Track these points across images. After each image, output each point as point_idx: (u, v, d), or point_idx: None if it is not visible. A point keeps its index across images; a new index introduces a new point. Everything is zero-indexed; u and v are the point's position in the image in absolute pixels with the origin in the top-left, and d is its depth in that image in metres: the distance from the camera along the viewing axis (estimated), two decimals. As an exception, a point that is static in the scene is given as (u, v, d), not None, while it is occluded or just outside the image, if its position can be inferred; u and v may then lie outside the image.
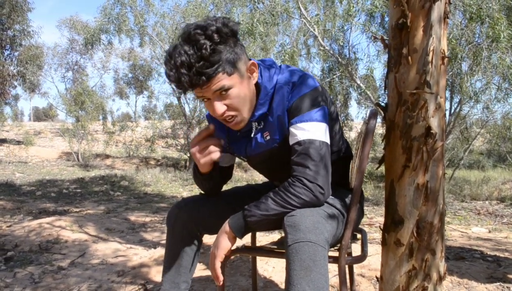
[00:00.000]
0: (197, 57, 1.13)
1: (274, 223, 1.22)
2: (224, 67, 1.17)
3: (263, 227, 1.27)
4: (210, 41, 1.14)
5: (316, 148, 1.21)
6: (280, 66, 1.37)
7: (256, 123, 1.34)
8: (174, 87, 1.35)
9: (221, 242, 1.26)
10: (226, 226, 1.26)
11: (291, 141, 1.25)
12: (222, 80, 1.17)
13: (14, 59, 15.44)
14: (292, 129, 1.25)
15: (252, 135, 1.36)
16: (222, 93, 1.20)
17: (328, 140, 1.25)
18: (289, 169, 1.25)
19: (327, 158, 1.23)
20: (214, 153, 1.30)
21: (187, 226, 1.44)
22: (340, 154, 1.45)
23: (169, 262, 1.46)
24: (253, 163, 1.47)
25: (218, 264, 1.26)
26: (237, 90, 1.21)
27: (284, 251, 1.14)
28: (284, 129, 1.29)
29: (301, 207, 1.18)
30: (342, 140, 1.47)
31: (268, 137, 1.33)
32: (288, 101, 1.27)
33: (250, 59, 1.29)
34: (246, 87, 1.25)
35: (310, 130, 1.22)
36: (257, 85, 1.30)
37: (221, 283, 1.30)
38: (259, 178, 9.92)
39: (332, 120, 1.37)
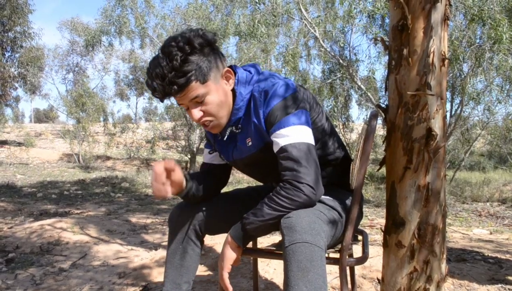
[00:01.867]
0: (169, 68, 1.20)
1: (274, 226, 1.23)
2: (197, 75, 1.22)
3: (263, 232, 1.28)
4: (181, 52, 1.20)
5: (299, 150, 1.22)
6: (262, 72, 1.39)
7: (233, 128, 1.37)
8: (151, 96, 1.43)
9: (225, 253, 1.27)
10: (228, 237, 1.28)
11: (275, 150, 1.27)
12: (196, 89, 1.24)
13: (15, 61, 15.47)
14: (273, 138, 1.27)
15: (225, 138, 1.40)
16: (198, 101, 1.26)
17: (311, 141, 1.25)
18: (276, 173, 1.27)
19: (313, 157, 1.24)
20: (166, 192, 1.28)
21: (188, 226, 1.45)
22: (335, 154, 1.45)
23: (171, 262, 1.47)
24: (239, 167, 1.50)
25: (226, 275, 1.28)
26: (212, 97, 1.27)
27: (285, 252, 1.14)
28: (263, 136, 1.31)
29: (295, 209, 1.18)
30: (334, 139, 1.47)
31: (250, 143, 1.35)
32: (263, 111, 1.28)
33: (230, 66, 1.35)
34: (222, 94, 1.29)
35: (289, 134, 1.24)
36: (234, 91, 1.34)
37: None
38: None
39: (320, 120, 1.38)
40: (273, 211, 1.20)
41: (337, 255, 1.29)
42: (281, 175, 1.24)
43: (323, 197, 1.31)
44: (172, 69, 1.19)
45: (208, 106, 1.27)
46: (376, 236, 3.56)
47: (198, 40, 1.22)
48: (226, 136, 1.39)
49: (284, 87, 1.29)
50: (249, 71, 1.39)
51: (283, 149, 1.23)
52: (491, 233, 3.99)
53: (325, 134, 1.41)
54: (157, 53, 1.25)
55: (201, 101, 1.26)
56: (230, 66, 1.37)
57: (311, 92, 1.42)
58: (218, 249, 2.71)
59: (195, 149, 12.27)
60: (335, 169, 1.47)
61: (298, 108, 1.27)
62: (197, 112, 1.28)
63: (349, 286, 1.72)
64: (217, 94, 1.28)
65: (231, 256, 1.27)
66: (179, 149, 13.32)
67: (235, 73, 1.35)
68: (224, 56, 1.34)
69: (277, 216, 1.19)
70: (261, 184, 1.68)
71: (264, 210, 1.21)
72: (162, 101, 1.32)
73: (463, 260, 2.62)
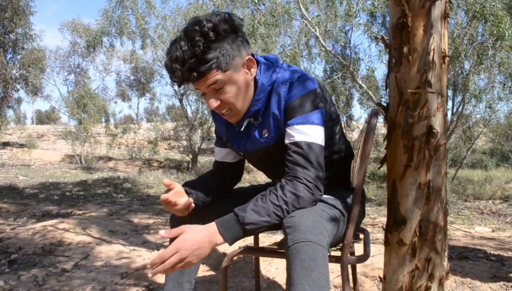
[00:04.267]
0: (190, 54, 1.15)
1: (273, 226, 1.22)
2: (218, 64, 1.18)
3: (262, 231, 1.25)
4: (204, 38, 1.15)
5: (315, 151, 1.22)
6: (282, 65, 1.37)
7: (252, 119, 1.34)
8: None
9: (206, 252, 1.14)
10: (215, 234, 1.15)
11: (287, 141, 1.25)
12: (216, 76, 1.19)
13: (16, 63, 15.48)
14: (289, 130, 1.25)
15: (241, 129, 1.36)
16: (216, 88, 1.22)
17: (323, 143, 1.26)
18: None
19: (323, 161, 1.25)
20: (183, 212, 1.33)
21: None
22: (340, 154, 1.45)
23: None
24: (252, 159, 1.47)
25: (187, 269, 1.21)
26: (231, 86, 1.23)
27: (287, 251, 1.14)
28: (280, 128, 1.30)
29: (299, 207, 1.18)
30: (343, 140, 1.47)
31: (266, 135, 1.33)
32: (285, 101, 1.27)
33: (252, 55, 1.31)
34: (242, 83, 1.26)
35: (309, 133, 1.23)
36: (255, 81, 1.31)
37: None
38: (262, 179, 9.92)
39: (332, 121, 1.37)
40: (276, 206, 1.17)
41: (338, 254, 1.29)
42: (288, 167, 1.23)
43: (325, 196, 1.31)
44: (193, 56, 1.16)
45: (226, 95, 1.23)
46: (378, 235, 3.55)
47: (223, 26, 1.18)
48: (243, 127, 1.35)
49: (308, 82, 1.28)
50: (271, 62, 1.35)
51: (298, 144, 1.22)
52: (493, 231, 3.99)
53: (335, 135, 1.40)
54: (179, 34, 1.20)
55: (219, 89, 1.22)
56: (252, 55, 1.33)
57: (327, 91, 1.41)
58: (220, 248, 2.72)
59: (196, 149, 12.28)
60: (340, 168, 1.47)
61: (318, 107, 1.26)
62: (214, 101, 1.24)
63: (351, 284, 1.72)
64: (236, 84, 1.24)
65: (205, 254, 1.14)
66: (181, 149, 13.34)
67: (257, 62, 1.32)
68: (248, 43, 1.30)
69: (278, 214, 1.17)
70: (264, 183, 1.68)
71: (266, 204, 1.17)
72: (179, 86, 1.28)
73: (465, 258, 2.62)
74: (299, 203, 1.18)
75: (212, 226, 1.15)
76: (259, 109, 1.32)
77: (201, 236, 1.13)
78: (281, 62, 1.38)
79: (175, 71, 1.18)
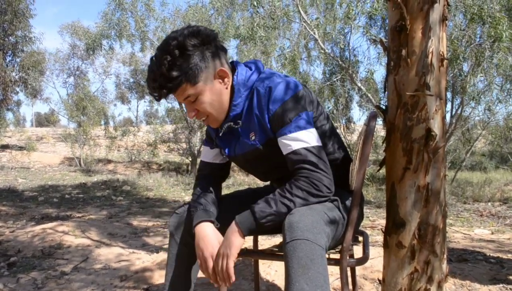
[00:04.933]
0: (158, 72, 1.24)
1: (279, 226, 1.23)
2: (187, 78, 1.25)
3: (271, 225, 1.25)
4: (170, 56, 1.23)
5: (313, 154, 1.25)
6: (264, 71, 1.39)
7: (232, 123, 1.37)
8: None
9: (233, 241, 1.24)
10: (234, 225, 1.25)
11: (285, 151, 1.28)
12: (187, 90, 1.27)
13: (16, 65, 15.48)
14: (283, 140, 1.28)
15: (220, 134, 1.42)
16: (191, 100, 1.29)
17: (320, 143, 1.28)
18: (279, 170, 1.31)
19: (325, 158, 1.27)
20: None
21: (189, 230, 1.44)
22: (335, 154, 1.45)
23: (172, 265, 1.47)
24: (241, 163, 1.49)
25: (231, 264, 1.23)
26: (204, 97, 1.29)
27: (286, 254, 1.14)
28: (266, 132, 1.32)
29: (307, 204, 1.22)
30: (335, 140, 1.47)
31: (253, 137, 1.35)
32: (267, 108, 1.29)
33: (232, 62, 1.38)
34: (214, 93, 1.31)
35: (302, 139, 1.25)
36: (232, 87, 1.35)
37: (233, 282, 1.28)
38: (260, 182, 9.89)
39: (321, 121, 1.39)
40: (288, 202, 1.21)
41: (337, 256, 1.30)
42: (296, 173, 1.25)
43: None
44: (160, 74, 1.23)
45: (201, 106, 1.30)
46: (377, 237, 3.55)
47: (191, 41, 1.24)
48: (221, 132, 1.40)
49: (288, 87, 1.30)
50: (250, 68, 1.39)
51: (297, 152, 1.25)
52: (492, 233, 3.99)
53: (325, 135, 1.41)
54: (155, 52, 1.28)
55: (194, 100, 1.30)
56: (232, 62, 1.39)
57: (313, 92, 1.42)
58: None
59: (196, 152, 12.27)
60: (335, 170, 1.47)
61: (303, 109, 1.28)
62: (191, 111, 1.32)
63: (350, 287, 1.72)
64: (209, 94, 1.30)
65: (239, 243, 1.24)
66: (180, 151, 13.33)
67: (234, 70, 1.36)
68: (225, 50, 1.35)
69: (289, 207, 1.20)
70: (261, 185, 1.69)
71: (279, 200, 1.22)
72: (158, 101, 1.34)
73: (465, 260, 2.62)
74: (309, 199, 1.22)
75: (232, 222, 1.26)
76: (238, 114, 1.36)
77: (229, 230, 1.26)
78: (263, 67, 1.41)
79: (150, 88, 1.28)
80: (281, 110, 1.27)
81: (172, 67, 1.22)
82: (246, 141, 1.37)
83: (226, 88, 1.34)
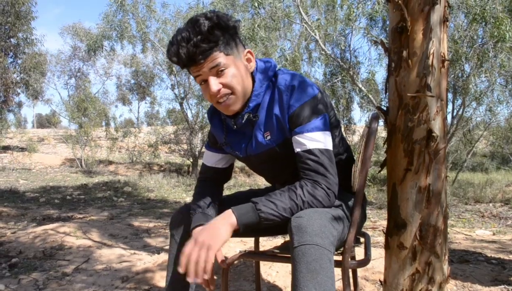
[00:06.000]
0: (195, 32, 1.18)
1: (278, 227, 1.23)
2: (221, 46, 1.21)
3: (270, 225, 1.23)
4: (209, 21, 1.19)
5: (327, 158, 1.24)
6: (280, 68, 1.38)
7: (251, 115, 1.33)
8: (174, 64, 1.34)
9: (220, 231, 1.15)
10: (229, 216, 1.18)
11: (298, 149, 1.26)
12: (219, 57, 1.21)
13: (17, 67, 15.52)
14: (298, 138, 1.26)
15: (242, 122, 1.35)
16: (218, 71, 1.23)
17: (332, 147, 1.28)
18: (290, 172, 1.26)
19: (335, 163, 1.27)
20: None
21: (188, 231, 1.44)
22: (341, 157, 1.45)
23: (173, 266, 1.47)
24: (253, 164, 1.46)
25: (212, 257, 1.12)
26: (233, 70, 1.24)
27: (287, 255, 1.14)
28: (284, 132, 1.30)
29: (311, 207, 1.20)
30: (342, 143, 1.47)
31: (268, 137, 1.33)
32: (288, 106, 1.27)
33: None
34: (243, 70, 1.28)
35: (320, 140, 1.25)
36: (252, 77, 1.33)
37: (213, 288, 1.18)
38: (262, 183, 9.91)
39: (332, 124, 1.37)
40: (297, 207, 1.19)
41: (339, 258, 1.29)
42: (305, 173, 1.24)
43: None
44: (199, 33, 1.17)
45: (227, 79, 1.23)
46: (379, 238, 3.55)
47: (225, 20, 1.22)
48: (240, 123, 1.35)
49: (312, 86, 1.29)
50: (268, 61, 1.38)
51: (312, 151, 1.24)
52: (494, 234, 3.98)
53: (335, 137, 1.41)
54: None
55: (220, 71, 1.22)
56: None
57: (328, 95, 1.42)
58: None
59: (197, 153, 12.28)
60: (340, 171, 1.47)
61: (322, 111, 1.28)
62: (215, 84, 1.23)
63: (352, 288, 1.72)
64: (237, 70, 1.25)
65: (227, 237, 1.15)
66: (182, 152, 13.34)
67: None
68: (243, 45, 1.33)
69: (293, 210, 1.19)
70: (263, 187, 1.68)
71: (284, 199, 1.19)
72: (182, 68, 1.27)
73: (466, 261, 2.62)
74: (315, 206, 1.21)
75: (227, 211, 1.19)
76: (257, 105, 1.33)
77: (212, 220, 1.19)
78: (278, 66, 1.40)
79: (179, 50, 1.19)
80: (302, 110, 1.26)
81: (212, 30, 1.18)
82: (260, 141, 1.34)
83: (250, 72, 1.32)
